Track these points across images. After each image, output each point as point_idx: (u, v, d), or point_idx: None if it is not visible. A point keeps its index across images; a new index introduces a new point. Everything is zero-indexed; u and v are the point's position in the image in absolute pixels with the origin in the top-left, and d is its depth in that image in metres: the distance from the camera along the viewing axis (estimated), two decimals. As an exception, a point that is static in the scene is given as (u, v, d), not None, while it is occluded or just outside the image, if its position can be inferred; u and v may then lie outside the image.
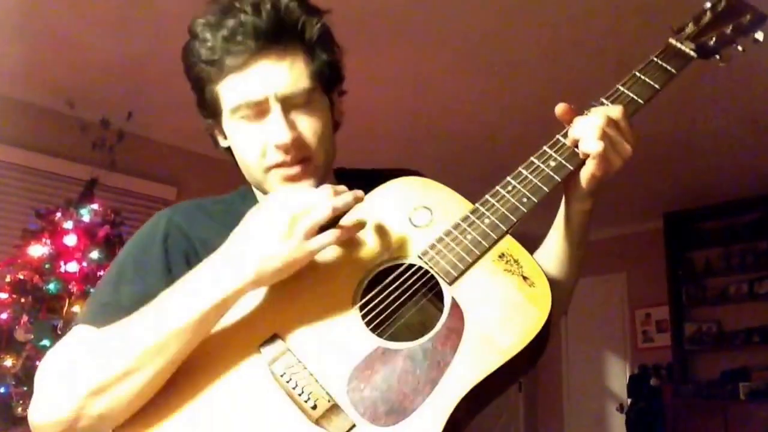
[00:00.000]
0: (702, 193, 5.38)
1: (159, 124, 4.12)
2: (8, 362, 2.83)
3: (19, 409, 2.77)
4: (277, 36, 0.99)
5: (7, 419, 2.78)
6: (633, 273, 6.30)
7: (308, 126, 1.02)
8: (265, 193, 1.08)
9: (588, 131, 0.97)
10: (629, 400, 5.75)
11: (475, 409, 0.89)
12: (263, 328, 0.91)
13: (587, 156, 0.98)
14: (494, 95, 3.93)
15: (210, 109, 1.06)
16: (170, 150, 4.38)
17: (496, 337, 0.87)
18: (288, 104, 1.00)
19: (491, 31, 3.26)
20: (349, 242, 0.96)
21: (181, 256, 1.02)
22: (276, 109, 1.00)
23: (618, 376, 6.31)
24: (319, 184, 1.03)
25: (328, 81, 1.05)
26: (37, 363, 2.73)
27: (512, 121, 4.22)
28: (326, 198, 0.90)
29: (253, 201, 1.11)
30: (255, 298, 0.93)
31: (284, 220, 0.89)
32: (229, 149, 1.10)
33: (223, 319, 0.91)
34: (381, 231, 0.98)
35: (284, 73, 0.99)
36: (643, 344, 6.22)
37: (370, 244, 0.97)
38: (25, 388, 2.81)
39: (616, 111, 1.00)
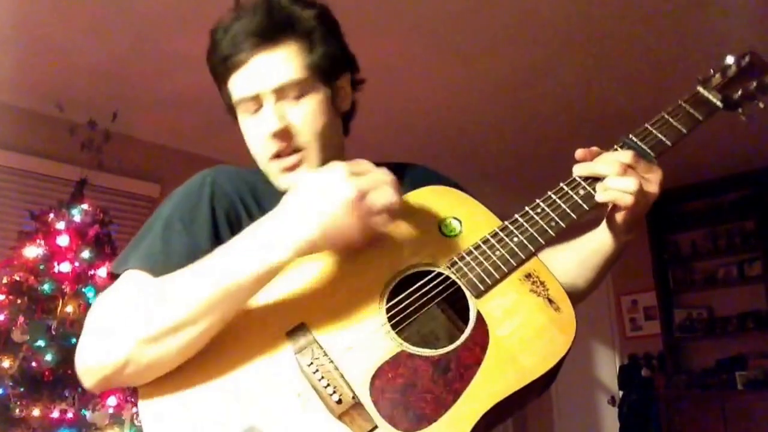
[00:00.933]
0: (684, 172, 5.14)
1: (142, 123, 4.17)
2: (5, 363, 2.82)
3: (17, 411, 2.76)
4: (269, 34, 1.04)
5: (5, 421, 2.76)
6: (616, 257, 6.15)
7: (301, 117, 1.06)
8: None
9: (617, 183, 1.01)
10: (621, 393, 5.54)
11: (492, 424, 0.90)
12: (291, 315, 0.93)
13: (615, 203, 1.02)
14: (465, 80, 3.86)
15: (228, 107, 1.12)
16: (153, 148, 4.45)
17: (520, 358, 0.89)
18: (281, 96, 1.05)
19: (460, 15, 3.20)
20: (382, 241, 0.98)
21: (225, 217, 1.05)
22: (269, 101, 1.05)
23: (608, 366, 6.10)
24: None
25: (327, 70, 1.08)
26: (33, 364, 2.77)
27: (484, 106, 4.18)
28: (392, 184, 0.91)
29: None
30: (285, 282, 0.94)
31: (351, 192, 0.88)
32: None
33: (252, 300, 0.92)
34: (412, 235, 1.00)
35: (275, 68, 1.04)
36: (631, 332, 6.01)
37: (401, 247, 0.99)
38: (22, 389, 2.81)
39: (627, 157, 1.03)
